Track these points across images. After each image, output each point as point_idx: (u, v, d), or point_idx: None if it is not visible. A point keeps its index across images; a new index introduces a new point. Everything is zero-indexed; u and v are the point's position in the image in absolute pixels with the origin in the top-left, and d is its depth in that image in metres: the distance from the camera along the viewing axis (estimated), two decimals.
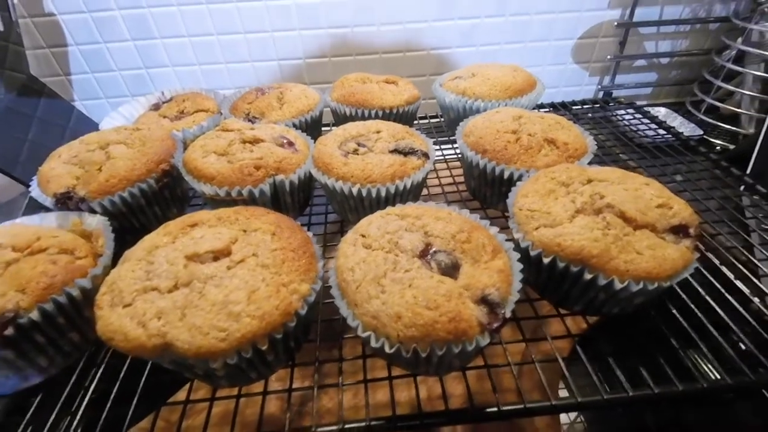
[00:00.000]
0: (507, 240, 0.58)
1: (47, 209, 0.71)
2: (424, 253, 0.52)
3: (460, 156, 0.87)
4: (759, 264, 0.71)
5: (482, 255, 0.52)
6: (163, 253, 0.49)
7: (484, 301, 0.47)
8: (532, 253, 0.56)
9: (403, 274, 0.48)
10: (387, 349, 0.45)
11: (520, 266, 0.53)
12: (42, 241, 0.57)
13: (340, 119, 1.03)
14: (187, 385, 0.58)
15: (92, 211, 0.69)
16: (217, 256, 0.49)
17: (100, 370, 0.58)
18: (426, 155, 0.76)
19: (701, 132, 1.25)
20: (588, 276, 0.52)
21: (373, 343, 0.45)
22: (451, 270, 0.50)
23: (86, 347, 0.60)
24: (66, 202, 0.68)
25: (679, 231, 0.55)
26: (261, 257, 0.49)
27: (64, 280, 0.53)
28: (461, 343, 0.44)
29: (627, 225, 0.54)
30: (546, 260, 0.54)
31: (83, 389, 0.57)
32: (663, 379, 0.55)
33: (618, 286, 0.51)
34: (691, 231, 0.55)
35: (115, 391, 0.55)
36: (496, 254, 0.52)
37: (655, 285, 0.51)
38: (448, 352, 0.44)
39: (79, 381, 0.57)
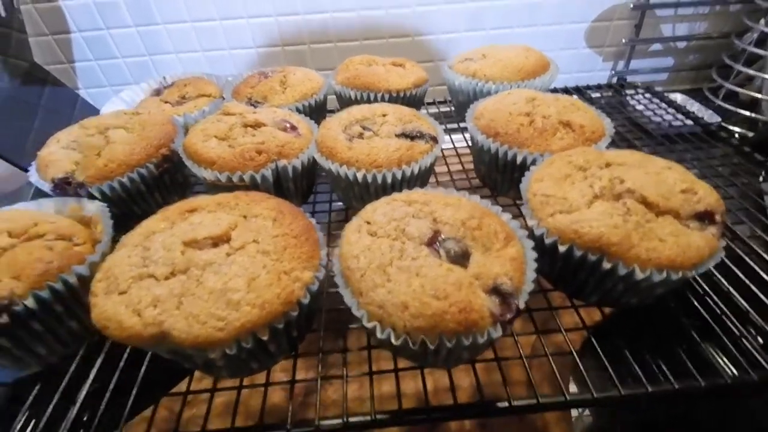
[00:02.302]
0: (520, 227, 0.55)
1: (47, 195, 0.70)
2: (432, 241, 0.49)
3: (469, 144, 0.84)
4: None
5: (494, 243, 0.49)
6: (160, 238, 0.47)
7: (496, 291, 0.44)
8: (547, 240, 0.53)
9: (410, 262, 0.46)
10: (393, 341, 0.42)
11: (534, 255, 0.50)
12: (39, 227, 0.56)
13: (345, 103, 1.00)
14: (189, 375, 0.56)
15: (91, 197, 0.68)
16: (216, 242, 0.47)
17: (100, 360, 0.57)
18: (434, 139, 0.73)
19: (719, 119, 1.20)
20: (607, 265, 0.49)
21: (379, 334, 0.43)
22: (460, 258, 0.47)
23: (86, 336, 0.59)
24: (64, 187, 0.67)
25: (704, 217, 0.52)
26: (262, 244, 0.47)
27: (61, 267, 0.51)
28: (472, 335, 0.42)
29: (649, 211, 0.51)
30: (562, 248, 0.51)
31: (83, 379, 0.55)
32: (681, 373, 0.52)
33: (639, 275, 0.48)
34: (717, 218, 0.52)
35: (114, 381, 0.54)
36: (508, 242, 0.50)
37: (679, 275, 0.48)
38: (458, 345, 0.42)
39: (79, 370, 0.56)
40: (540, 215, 0.55)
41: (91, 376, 0.55)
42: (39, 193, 0.72)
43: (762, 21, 1.15)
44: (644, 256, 0.48)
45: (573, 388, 0.74)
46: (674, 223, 0.50)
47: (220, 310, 0.40)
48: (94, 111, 1.25)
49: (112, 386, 0.53)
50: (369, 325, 0.44)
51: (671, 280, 0.48)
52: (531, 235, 0.55)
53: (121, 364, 0.56)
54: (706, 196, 0.52)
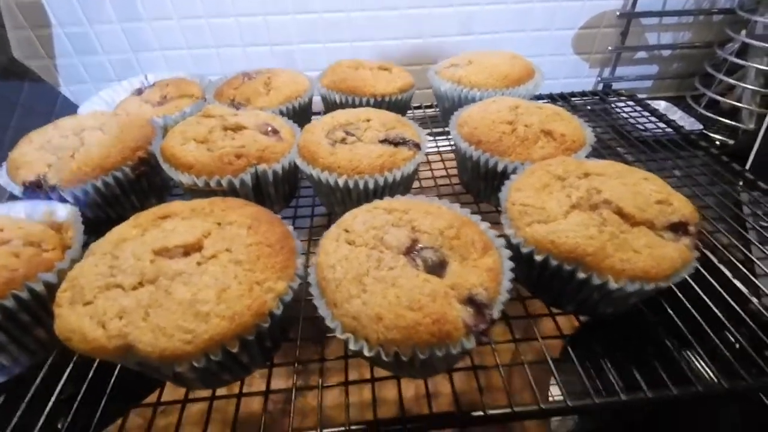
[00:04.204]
0: (498, 236, 0.55)
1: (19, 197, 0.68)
2: (409, 250, 0.49)
3: (454, 147, 0.84)
4: (757, 262, 0.69)
5: (471, 252, 0.49)
6: (130, 246, 0.46)
7: (470, 301, 0.44)
8: (524, 250, 0.53)
9: (387, 272, 0.45)
10: (366, 353, 0.42)
11: (511, 265, 0.50)
12: (5, 233, 0.54)
13: (330, 107, 0.99)
14: (161, 384, 0.55)
15: (64, 201, 0.66)
16: (188, 250, 0.45)
17: (69, 369, 0.55)
18: (417, 146, 0.73)
19: (701, 126, 1.23)
20: (582, 275, 0.49)
21: (352, 346, 0.43)
22: (437, 268, 0.47)
23: (55, 345, 0.57)
24: (35, 190, 0.65)
25: (678, 229, 0.52)
26: (235, 253, 0.46)
27: (27, 275, 0.50)
28: (445, 346, 0.42)
29: (624, 222, 0.51)
30: (538, 258, 0.52)
31: (51, 389, 0.54)
32: (657, 381, 0.53)
33: (613, 286, 0.48)
34: (691, 229, 0.52)
35: (83, 391, 0.52)
36: (485, 252, 0.50)
37: (653, 286, 0.48)
38: (432, 356, 0.42)
39: (46, 380, 0.54)
40: (518, 224, 0.55)
41: (59, 387, 0.53)
42: (13, 194, 0.70)
43: (743, 32, 1.17)
44: (618, 267, 0.48)
45: (555, 390, 0.75)
46: (649, 234, 0.51)
47: (188, 323, 0.39)
48: (74, 108, 1.22)
49: (80, 396, 0.52)
50: (343, 336, 0.43)
51: (644, 291, 0.48)
52: (508, 244, 0.55)
53: (91, 373, 0.54)
54: (681, 207, 0.53)
